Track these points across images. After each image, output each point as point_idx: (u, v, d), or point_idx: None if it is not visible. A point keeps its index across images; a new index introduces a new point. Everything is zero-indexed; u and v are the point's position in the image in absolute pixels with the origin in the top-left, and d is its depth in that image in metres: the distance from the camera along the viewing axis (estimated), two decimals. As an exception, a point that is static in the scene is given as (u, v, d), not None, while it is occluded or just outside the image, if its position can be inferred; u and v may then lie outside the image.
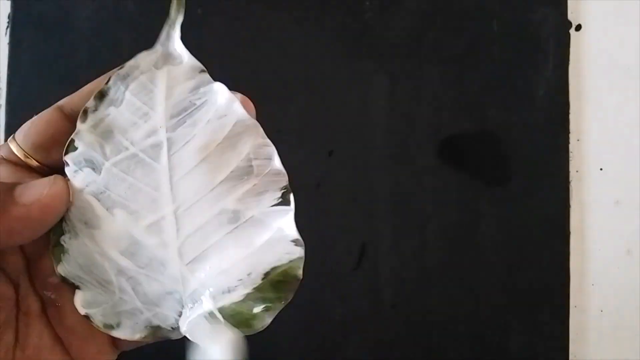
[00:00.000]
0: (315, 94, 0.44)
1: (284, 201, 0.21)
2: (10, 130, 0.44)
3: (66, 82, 0.44)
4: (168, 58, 0.20)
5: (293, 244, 0.21)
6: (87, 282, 0.19)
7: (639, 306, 0.44)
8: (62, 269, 0.19)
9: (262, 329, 0.20)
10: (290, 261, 0.21)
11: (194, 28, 0.44)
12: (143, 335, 0.20)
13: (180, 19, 0.21)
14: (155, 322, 0.20)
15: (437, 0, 0.44)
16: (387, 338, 0.43)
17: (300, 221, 0.43)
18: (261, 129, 0.21)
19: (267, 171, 0.20)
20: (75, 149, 0.19)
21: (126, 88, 0.19)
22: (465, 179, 0.43)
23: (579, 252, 0.44)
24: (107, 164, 0.19)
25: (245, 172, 0.20)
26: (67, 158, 0.19)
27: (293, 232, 0.21)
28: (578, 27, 0.45)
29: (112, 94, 0.20)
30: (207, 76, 0.20)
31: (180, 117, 0.19)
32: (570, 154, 0.44)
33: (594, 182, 0.45)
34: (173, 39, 0.20)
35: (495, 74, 0.44)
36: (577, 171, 0.45)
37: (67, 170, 0.19)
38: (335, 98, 0.43)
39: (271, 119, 0.44)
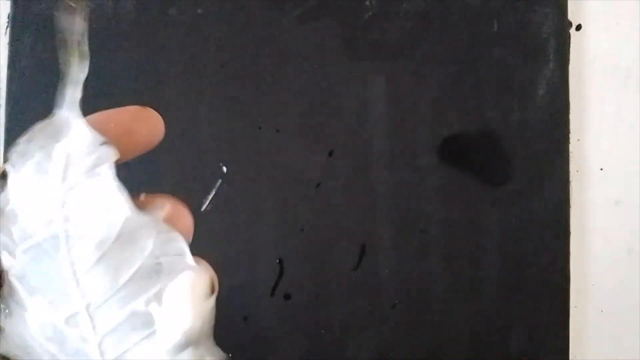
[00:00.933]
0: (315, 94, 0.44)
1: None
2: (10, 129, 0.44)
3: (66, 82, 0.44)
4: (67, 127, 0.18)
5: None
6: None
7: (639, 306, 0.45)
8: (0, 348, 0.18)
9: None
10: None
11: (194, 28, 0.44)
12: None
13: (80, 78, 0.18)
14: None
15: (437, 1, 0.44)
16: (387, 338, 0.43)
17: (300, 221, 0.44)
18: (160, 222, 0.18)
19: (180, 269, 0.18)
20: None
21: (24, 167, 0.17)
22: (465, 179, 0.43)
23: (579, 252, 0.44)
24: (18, 250, 0.17)
25: (154, 270, 0.17)
26: None
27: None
28: (578, 27, 0.45)
29: (12, 173, 0.17)
30: (107, 150, 0.18)
31: (74, 204, 0.17)
32: (571, 154, 0.44)
33: (595, 181, 0.45)
34: (72, 104, 0.18)
35: (495, 74, 0.44)
36: (577, 171, 0.45)
37: None
38: (336, 98, 0.44)
39: (271, 119, 0.44)
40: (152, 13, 0.44)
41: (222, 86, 0.44)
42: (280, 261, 0.43)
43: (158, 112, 0.19)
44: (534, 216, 0.43)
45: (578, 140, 0.45)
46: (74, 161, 0.17)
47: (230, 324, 0.43)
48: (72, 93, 0.18)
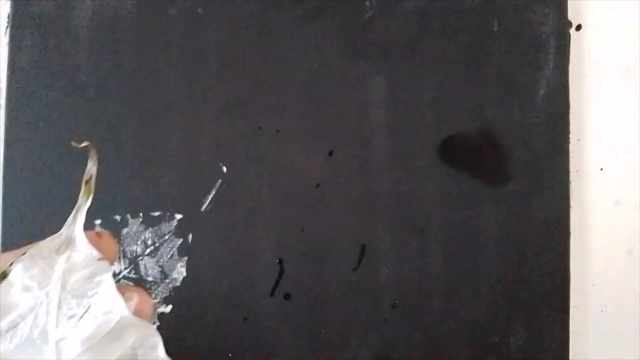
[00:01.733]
0: (315, 94, 0.44)
1: None
2: (10, 129, 0.44)
3: (65, 81, 0.44)
4: (70, 243, 0.21)
5: None
6: None
7: (639, 306, 0.45)
8: None
9: None
10: None
11: (194, 28, 0.44)
12: None
13: (86, 205, 0.22)
14: None
15: (437, 1, 0.44)
16: (387, 337, 0.43)
17: (300, 221, 0.44)
18: (146, 322, 0.22)
19: (152, 359, 0.21)
20: None
21: (27, 272, 0.20)
22: (465, 179, 0.44)
23: (579, 252, 0.44)
24: (3, 336, 0.20)
25: (130, 359, 0.21)
26: None
27: None
28: (578, 27, 0.45)
29: (13, 275, 0.20)
30: (104, 264, 0.21)
31: (72, 305, 0.20)
32: (571, 154, 0.44)
33: (595, 182, 0.45)
34: (76, 224, 0.22)
35: (495, 74, 0.44)
36: (577, 171, 0.45)
37: None
38: (335, 98, 0.44)
39: (271, 120, 0.44)
40: (153, 13, 0.44)
41: (223, 86, 0.44)
42: (281, 261, 0.43)
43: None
44: (534, 216, 0.43)
45: (578, 140, 0.45)
46: (74, 271, 0.20)
47: (231, 324, 0.43)
48: (79, 217, 0.22)
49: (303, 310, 0.43)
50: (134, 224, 0.43)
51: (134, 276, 0.43)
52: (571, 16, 0.45)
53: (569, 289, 0.43)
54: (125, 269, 0.44)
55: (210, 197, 0.43)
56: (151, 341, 0.21)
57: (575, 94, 0.44)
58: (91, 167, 0.22)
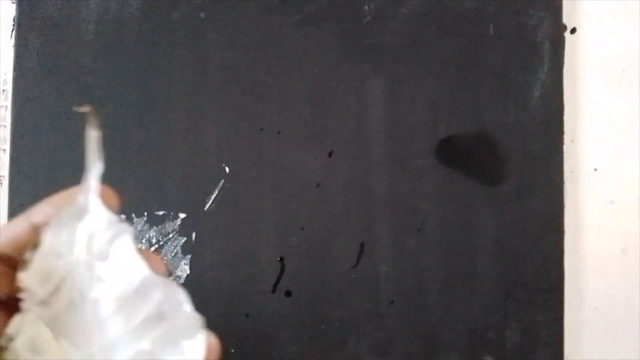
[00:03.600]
0: (315, 97, 0.44)
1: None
2: (17, 130, 0.44)
3: (70, 83, 0.44)
4: (88, 208, 0.22)
5: None
6: None
7: (634, 305, 0.45)
8: None
9: None
10: None
11: (197, 32, 0.44)
12: None
13: (97, 169, 0.22)
14: None
15: (434, 5, 0.44)
16: (385, 333, 0.43)
17: (301, 220, 0.44)
18: (168, 280, 0.22)
19: (179, 315, 0.21)
20: (22, 290, 0.21)
21: (55, 240, 0.21)
22: (461, 179, 0.44)
23: (573, 251, 0.44)
24: (51, 300, 0.21)
25: (158, 316, 0.21)
26: (21, 295, 0.21)
27: None
28: (573, 31, 0.46)
29: (44, 245, 0.21)
30: (123, 226, 0.22)
31: (101, 267, 0.21)
32: (565, 155, 0.44)
33: (589, 182, 0.45)
34: (92, 191, 0.22)
35: (491, 77, 0.44)
36: (571, 171, 0.45)
37: (24, 303, 0.21)
38: (335, 100, 0.44)
39: (272, 121, 0.44)
40: (157, 17, 0.44)
41: (225, 89, 0.44)
42: (282, 259, 0.44)
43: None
44: (528, 216, 0.43)
45: (572, 141, 0.45)
46: (96, 234, 0.21)
47: (233, 321, 0.43)
48: (92, 183, 0.22)
49: (303, 306, 0.43)
50: (138, 223, 0.44)
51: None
52: (566, 20, 0.45)
53: (563, 287, 0.44)
54: (130, 266, 0.44)
55: (213, 197, 0.44)
56: (176, 297, 0.22)
57: (570, 96, 0.45)
58: (90, 132, 0.22)
